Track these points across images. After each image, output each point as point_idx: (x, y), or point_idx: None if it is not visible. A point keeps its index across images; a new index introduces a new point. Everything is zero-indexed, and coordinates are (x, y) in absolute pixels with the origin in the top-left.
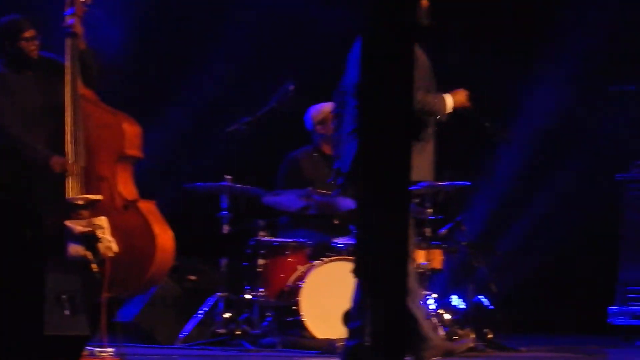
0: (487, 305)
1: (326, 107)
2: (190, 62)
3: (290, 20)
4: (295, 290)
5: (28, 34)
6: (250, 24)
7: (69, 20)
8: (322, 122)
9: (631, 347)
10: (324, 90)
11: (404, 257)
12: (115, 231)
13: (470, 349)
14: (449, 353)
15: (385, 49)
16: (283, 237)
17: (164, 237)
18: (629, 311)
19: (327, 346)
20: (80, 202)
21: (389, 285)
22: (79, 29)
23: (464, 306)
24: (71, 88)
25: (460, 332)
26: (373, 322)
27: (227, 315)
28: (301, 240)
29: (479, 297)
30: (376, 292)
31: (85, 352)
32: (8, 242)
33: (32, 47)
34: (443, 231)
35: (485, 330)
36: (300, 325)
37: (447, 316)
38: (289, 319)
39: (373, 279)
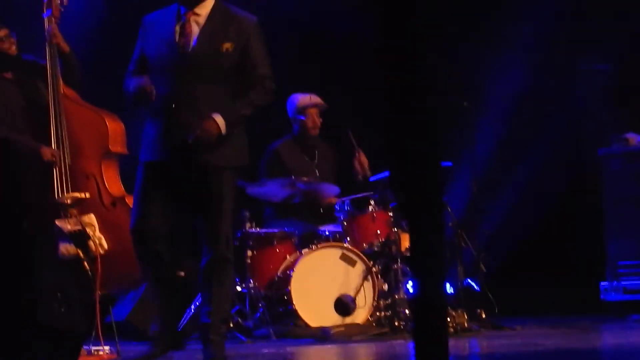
0: (477, 289)
1: (303, 99)
2: None
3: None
4: (285, 280)
5: (1, 33)
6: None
7: (47, 22)
8: (299, 112)
9: (626, 322)
10: (302, 80)
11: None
12: (105, 228)
13: (466, 330)
14: None
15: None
16: (269, 228)
17: None
18: (621, 286)
19: (321, 333)
20: (68, 201)
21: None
22: (56, 30)
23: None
24: (52, 89)
25: (453, 313)
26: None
27: None
28: (288, 229)
29: (468, 280)
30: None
31: (82, 350)
32: (4, 232)
33: (6, 46)
34: None
35: (478, 310)
36: (293, 315)
37: None
38: (280, 309)
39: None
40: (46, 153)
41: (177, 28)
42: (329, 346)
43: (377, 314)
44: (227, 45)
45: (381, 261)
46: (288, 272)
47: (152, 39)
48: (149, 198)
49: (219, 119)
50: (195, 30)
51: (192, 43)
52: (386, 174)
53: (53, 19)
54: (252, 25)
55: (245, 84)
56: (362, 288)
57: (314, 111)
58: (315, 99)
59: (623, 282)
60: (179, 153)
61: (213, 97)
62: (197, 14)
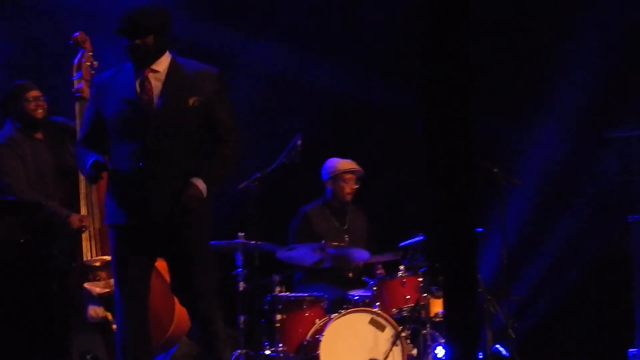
0: (505, 354)
1: (342, 163)
2: None
3: (295, 77)
4: (314, 344)
5: (32, 94)
6: (257, 79)
7: (77, 84)
8: (335, 178)
9: None
10: (331, 143)
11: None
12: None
13: None
14: None
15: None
16: (299, 292)
17: None
18: None
19: None
20: (97, 263)
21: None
22: (86, 92)
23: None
24: None
25: None
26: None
27: None
28: (317, 293)
29: (497, 346)
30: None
31: None
32: (35, 293)
33: (36, 108)
34: None
35: None
36: None
37: None
38: None
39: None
40: (74, 222)
41: (137, 86)
42: None
43: None
44: (193, 99)
45: (410, 326)
46: (317, 336)
47: (110, 99)
48: (129, 263)
49: (201, 184)
50: (157, 86)
51: (155, 100)
52: (416, 239)
53: (83, 81)
54: (215, 77)
55: (211, 137)
56: (391, 353)
57: (351, 177)
58: (353, 165)
59: None
60: (150, 214)
61: (182, 153)
62: (155, 71)
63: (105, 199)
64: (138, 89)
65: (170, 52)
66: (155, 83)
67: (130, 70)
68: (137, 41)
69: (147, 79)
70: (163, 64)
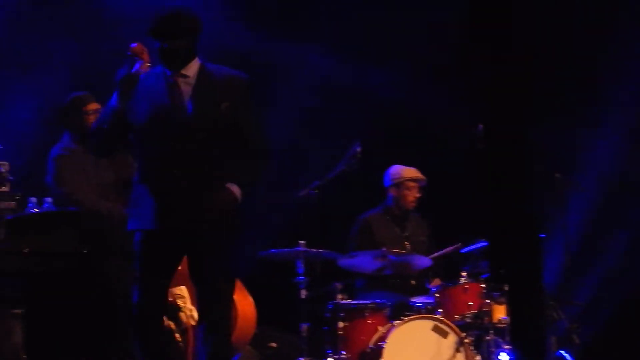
0: None
1: (407, 171)
2: None
3: (354, 84)
4: (377, 352)
5: (91, 107)
6: (315, 87)
7: None
8: (398, 185)
9: None
10: (391, 150)
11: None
12: (195, 300)
13: None
14: None
15: None
16: (361, 299)
17: (244, 304)
18: None
19: None
20: None
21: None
22: None
23: None
24: None
25: None
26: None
27: None
28: (379, 301)
29: (561, 351)
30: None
31: None
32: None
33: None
34: None
35: None
36: None
37: None
38: None
39: None
40: None
41: (168, 91)
42: None
43: None
44: (224, 105)
45: (473, 332)
46: (380, 343)
47: (140, 105)
48: (155, 270)
49: (236, 189)
50: (187, 91)
51: (186, 105)
52: (478, 245)
53: None
54: (245, 83)
55: (239, 143)
56: (454, 359)
57: (414, 185)
58: (418, 173)
59: None
60: (179, 220)
61: (212, 158)
62: (184, 76)
63: (131, 204)
64: (169, 93)
65: (199, 58)
66: (186, 88)
67: (160, 75)
68: (169, 43)
69: (176, 83)
70: (192, 69)
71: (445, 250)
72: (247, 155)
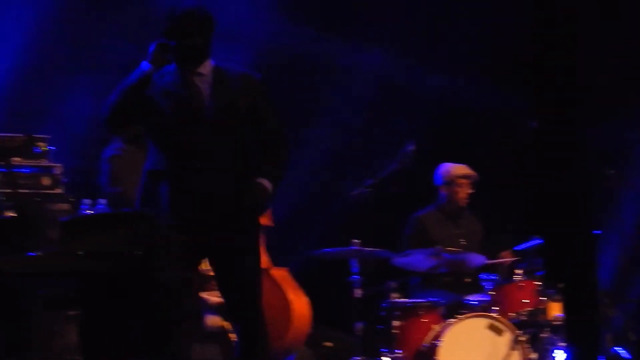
0: (626, 357)
1: (456, 168)
2: (310, 129)
3: (407, 82)
4: (432, 350)
5: None
6: (369, 85)
7: None
8: (449, 183)
9: None
10: (444, 149)
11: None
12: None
13: None
14: None
15: None
16: (415, 298)
17: (299, 304)
18: None
19: None
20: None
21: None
22: None
23: None
24: None
25: None
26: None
27: None
28: (434, 299)
29: (616, 348)
30: None
31: None
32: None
33: None
34: None
35: None
36: None
37: None
38: None
39: None
40: None
41: (186, 88)
42: None
43: None
44: (242, 100)
45: (529, 330)
46: (435, 342)
47: (158, 102)
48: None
49: (267, 183)
50: (205, 88)
51: (205, 101)
52: (532, 242)
53: None
54: (259, 81)
55: (257, 138)
56: (510, 357)
57: (465, 182)
58: (467, 170)
59: None
60: (200, 216)
61: (232, 154)
62: (200, 74)
63: (145, 195)
64: (188, 88)
65: (210, 59)
66: (203, 86)
67: (175, 73)
68: (185, 41)
69: (193, 81)
70: (207, 67)
71: (501, 260)
72: (270, 149)
